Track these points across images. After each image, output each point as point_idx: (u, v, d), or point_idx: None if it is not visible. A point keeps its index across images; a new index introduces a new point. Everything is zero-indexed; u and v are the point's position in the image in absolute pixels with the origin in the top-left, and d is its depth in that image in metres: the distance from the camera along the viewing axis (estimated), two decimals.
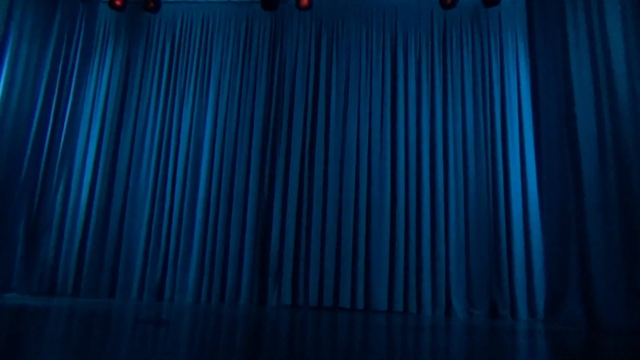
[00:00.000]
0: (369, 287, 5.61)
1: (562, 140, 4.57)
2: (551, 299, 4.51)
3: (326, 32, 6.41)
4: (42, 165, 5.54)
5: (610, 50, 4.38)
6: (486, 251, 5.60)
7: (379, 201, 5.83)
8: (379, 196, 5.85)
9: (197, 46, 6.57)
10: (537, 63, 5.02)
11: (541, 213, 4.90)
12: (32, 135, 5.49)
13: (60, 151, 5.72)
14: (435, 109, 6.05)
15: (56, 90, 5.70)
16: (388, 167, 5.92)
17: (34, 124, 5.51)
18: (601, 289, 4.06)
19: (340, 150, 6.04)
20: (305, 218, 5.89)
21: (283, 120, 6.19)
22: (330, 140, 6.06)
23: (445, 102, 6.09)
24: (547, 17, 5.00)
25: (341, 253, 5.72)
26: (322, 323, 3.77)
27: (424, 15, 6.36)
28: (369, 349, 2.35)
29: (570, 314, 4.21)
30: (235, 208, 5.99)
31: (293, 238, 5.83)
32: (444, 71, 6.18)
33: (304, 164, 6.04)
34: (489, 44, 6.18)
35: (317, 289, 5.64)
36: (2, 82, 5.37)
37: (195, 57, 6.54)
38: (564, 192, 4.52)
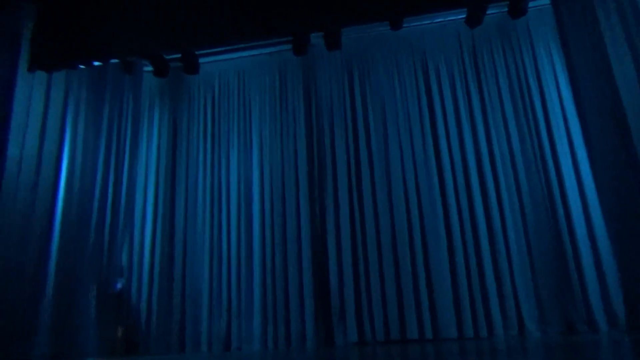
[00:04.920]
0: (435, 316, 5.47)
1: (614, 139, 4.42)
2: (633, 308, 4.25)
3: (357, 69, 6.54)
4: (107, 234, 5.85)
5: None
6: (553, 265, 5.37)
7: (432, 227, 5.75)
8: (432, 222, 5.77)
9: (236, 99, 6.85)
10: (575, 65, 4.93)
11: (606, 221, 4.71)
12: (95, 207, 5.84)
13: (121, 218, 6.01)
14: (477, 129, 5.98)
15: (113, 162, 6.07)
16: (437, 193, 5.85)
17: (97, 196, 5.88)
18: None
19: (387, 182, 6.03)
20: (361, 253, 5.87)
21: (326, 160, 6.28)
22: (375, 172, 6.08)
23: (486, 121, 6.00)
24: (578, 17, 4.92)
25: (401, 283, 5.64)
26: (393, 358, 3.70)
27: (451, 38, 6.37)
28: None
29: None
30: (290, 251, 6.06)
31: (351, 274, 5.80)
32: (480, 90, 6.12)
33: (353, 200, 6.07)
34: (521, 55, 6.11)
35: (382, 323, 5.55)
36: (64, 165, 5.81)
37: (236, 109, 6.81)
38: (627, 194, 4.33)
